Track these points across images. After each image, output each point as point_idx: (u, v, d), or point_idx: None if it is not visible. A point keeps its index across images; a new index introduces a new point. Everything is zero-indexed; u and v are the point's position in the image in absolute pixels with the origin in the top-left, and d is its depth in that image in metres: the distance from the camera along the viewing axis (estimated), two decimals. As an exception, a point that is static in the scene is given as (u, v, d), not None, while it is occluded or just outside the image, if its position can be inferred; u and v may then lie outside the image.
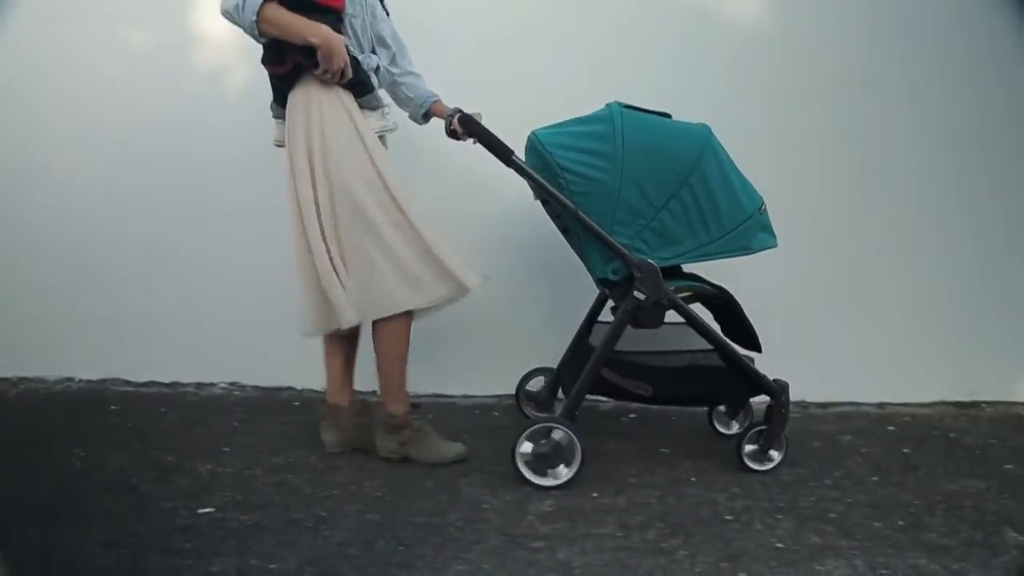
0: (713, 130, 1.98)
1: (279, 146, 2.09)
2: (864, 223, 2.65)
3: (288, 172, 2.02)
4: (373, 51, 2.10)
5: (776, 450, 2.09)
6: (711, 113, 2.04)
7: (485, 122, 2.08)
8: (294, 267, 2.08)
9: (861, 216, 2.64)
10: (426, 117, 2.26)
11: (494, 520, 1.80)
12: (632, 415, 2.54)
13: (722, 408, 2.37)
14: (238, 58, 2.54)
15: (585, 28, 2.58)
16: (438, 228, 2.04)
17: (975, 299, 2.65)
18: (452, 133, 2.17)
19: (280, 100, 2.02)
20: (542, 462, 1.96)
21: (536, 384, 2.51)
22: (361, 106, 2.01)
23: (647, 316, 1.99)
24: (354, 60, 1.94)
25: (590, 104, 2.02)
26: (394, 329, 2.05)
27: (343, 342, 2.17)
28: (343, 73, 1.91)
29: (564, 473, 1.96)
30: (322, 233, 1.99)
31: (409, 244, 2.00)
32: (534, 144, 1.97)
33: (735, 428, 2.34)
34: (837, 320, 2.65)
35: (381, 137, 2.09)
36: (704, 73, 2.57)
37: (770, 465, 2.08)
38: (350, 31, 1.98)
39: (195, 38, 2.59)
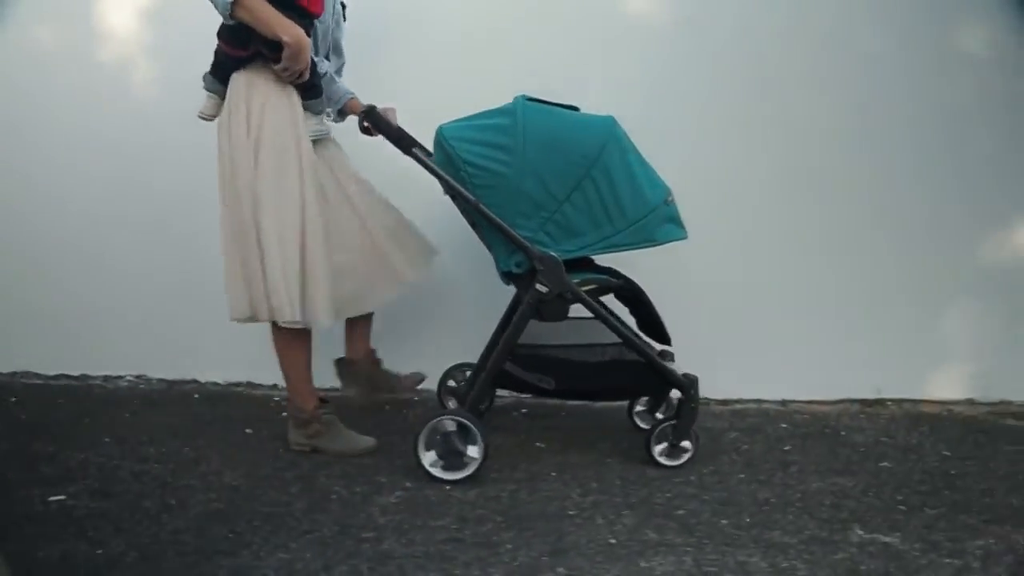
0: (628, 125, 1.94)
1: (203, 119, 2.01)
2: (776, 220, 2.61)
3: (223, 146, 1.95)
4: (327, 57, 2.12)
5: (687, 444, 2.07)
6: (623, 107, 2.01)
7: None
8: (220, 249, 2.01)
9: (773, 213, 2.61)
10: (341, 114, 2.27)
11: (336, 511, 1.80)
12: (524, 410, 2.53)
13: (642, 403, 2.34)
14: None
15: (501, 25, 2.57)
16: (326, 254, 1.99)
17: (884, 297, 2.60)
18: (365, 130, 2.18)
19: (219, 75, 1.97)
20: (451, 457, 1.95)
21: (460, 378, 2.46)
22: (305, 108, 2.00)
23: (550, 309, 1.98)
24: (312, 64, 1.95)
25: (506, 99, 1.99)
26: (284, 331, 2.05)
27: None
28: (301, 74, 1.92)
29: (476, 452, 1.93)
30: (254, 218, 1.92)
31: (285, 261, 1.93)
32: (438, 138, 1.97)
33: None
34: (744, 317, 2.61)
35: (323, 139, 2.12)
36: (617, 68, 2.54)
37: (681, 460, 2.07)
38: (313, 34, 2.00)
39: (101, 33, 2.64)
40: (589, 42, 2.55)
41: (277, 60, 1.87)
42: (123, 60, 2.62)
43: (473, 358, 2.35)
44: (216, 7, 1.84)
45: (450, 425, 1.94)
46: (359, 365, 2.29)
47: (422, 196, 2.21)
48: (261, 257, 1.93)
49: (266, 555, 1.61)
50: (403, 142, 2.01)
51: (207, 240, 2.55)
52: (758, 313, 2.61)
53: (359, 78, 2.31)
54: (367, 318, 2.29)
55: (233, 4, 1.79)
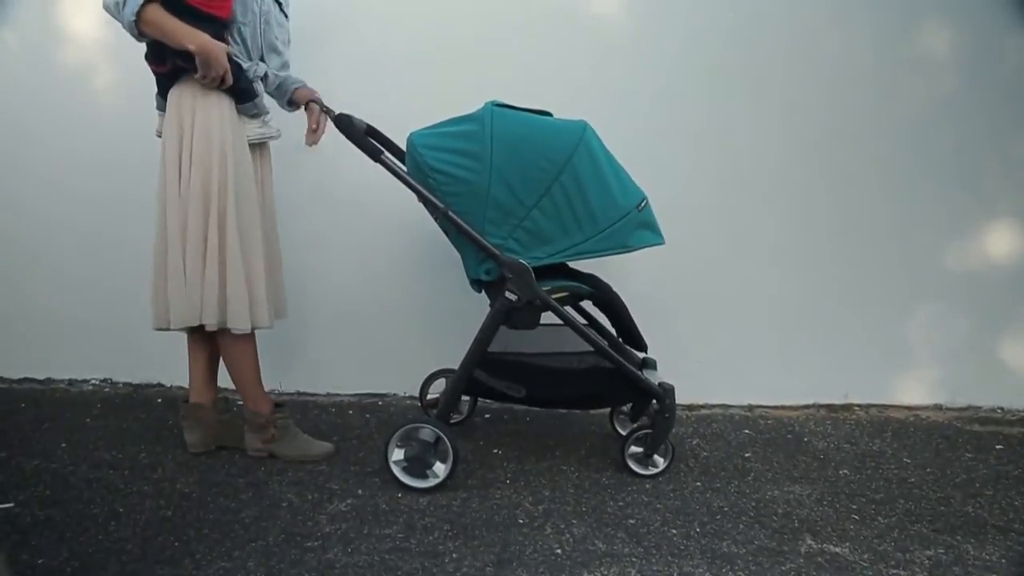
0: (596, 130, 1.92)
1: (158, 136, 2.08)
2: (743, 226, 2.59)
3: (160, 163, 2.02)
4: (262, 58, 2.11)
5: (660, 454, 2.05)
6: (594, 112, 1.99)
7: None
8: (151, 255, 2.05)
9: (739, 220, 2.59)
10: (291, 104, 2.24)
11: (284, 518, 1.79)
12: (487, 415, 2.52)
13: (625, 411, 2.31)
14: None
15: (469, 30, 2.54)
16: (259, 259, 2.01)
17: (851, 301, 2.59)
18: (326, 111, 2.12)
19: (163, 93, 2.03)
20: (416, 464, 1.95)
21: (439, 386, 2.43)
22: (240, 113, 2.01)
23: (520, 317, 1.96)
24: (237, 67, 1.95)
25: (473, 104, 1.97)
26: (231, 339, 2.04)
27: (206, 341, 2.15)
28: (223, 80, 1.92)
29: (441, 471, 1.93)
30: (182, 227, 1.97)
31: (219, 266, 1.97)
32: (408, 145, 1.96)
33: None
34: (712, 323, 2.60)
35: (262, 144, 2.11)
36: (585, 73, 2.52)
37: (655, 469, 2.05)
38: (238, 38, 2.00)
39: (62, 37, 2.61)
40: (558, 45, 2.52)
41: (195, 69, 1.89)
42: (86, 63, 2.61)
43: (453, 364, 2.34)
44: (125, 28, 1.88)
45: (428, 435, 1.93)
46: (206, 411, 2.17)
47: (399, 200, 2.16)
48: (203, 266, 1.96)
49: (207, 564, 1.59)
50: (371, 149, 1.99)
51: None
52: (725, 319, 2.60)
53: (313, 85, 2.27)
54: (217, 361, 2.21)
55: (137, 21, 1.83)
